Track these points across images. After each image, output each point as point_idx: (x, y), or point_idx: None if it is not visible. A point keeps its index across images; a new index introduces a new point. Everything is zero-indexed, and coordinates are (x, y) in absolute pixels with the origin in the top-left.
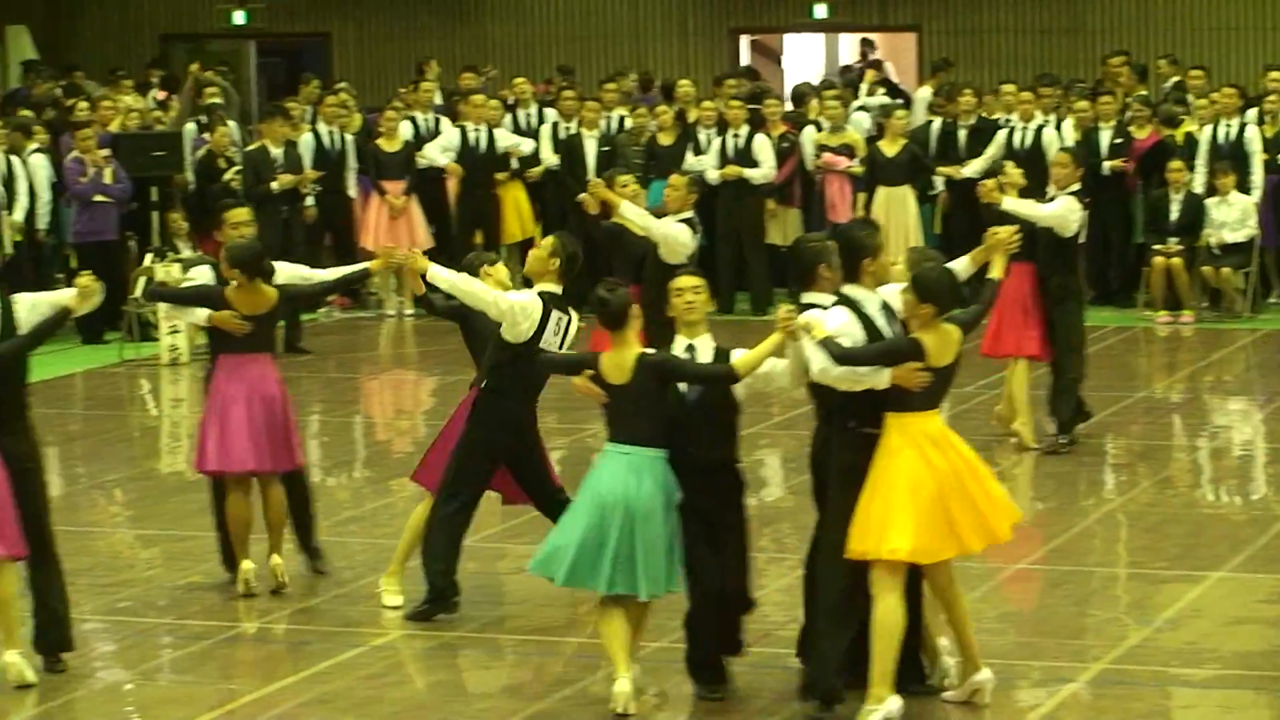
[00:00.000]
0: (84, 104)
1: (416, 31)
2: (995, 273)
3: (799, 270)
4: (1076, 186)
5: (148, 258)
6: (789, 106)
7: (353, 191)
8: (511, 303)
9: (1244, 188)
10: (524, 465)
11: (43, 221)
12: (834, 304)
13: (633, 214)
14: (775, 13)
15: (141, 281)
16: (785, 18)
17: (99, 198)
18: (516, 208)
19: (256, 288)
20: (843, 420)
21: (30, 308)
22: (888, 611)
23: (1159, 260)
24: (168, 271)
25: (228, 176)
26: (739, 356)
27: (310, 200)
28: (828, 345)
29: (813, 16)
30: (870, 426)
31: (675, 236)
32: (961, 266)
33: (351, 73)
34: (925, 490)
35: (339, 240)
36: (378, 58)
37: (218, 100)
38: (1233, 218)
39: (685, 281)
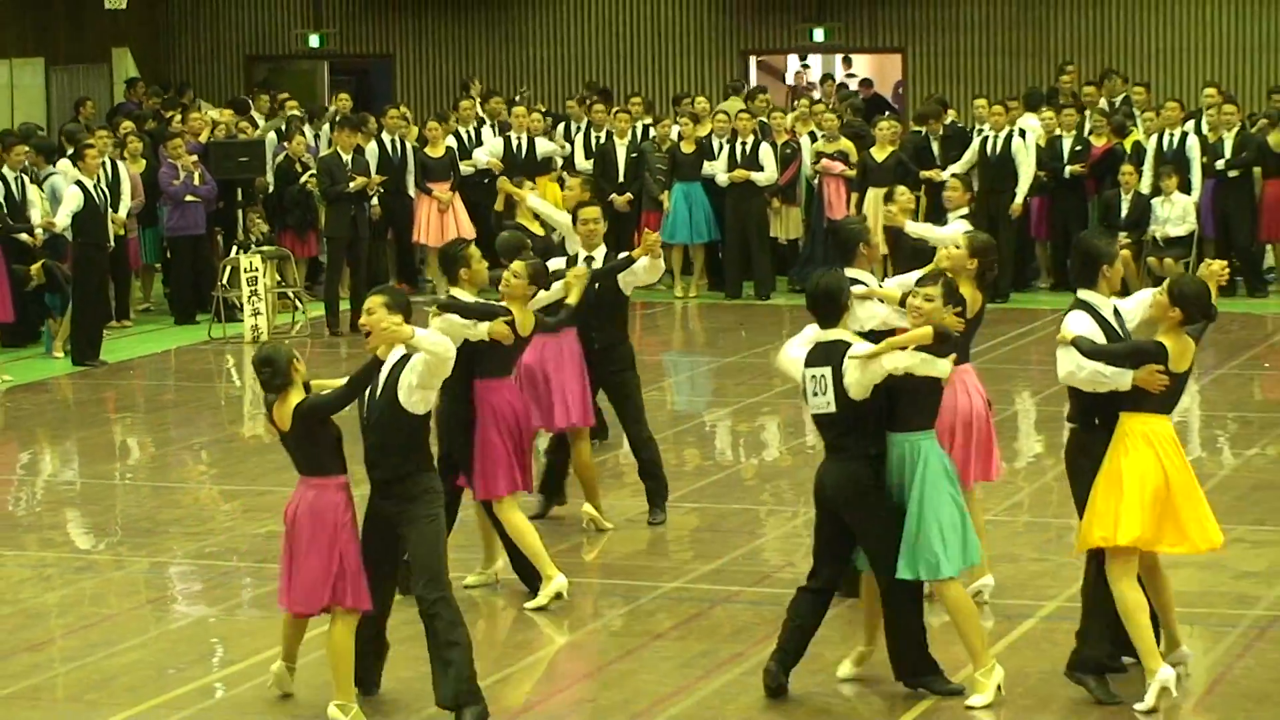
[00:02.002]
0: (178, 117)
1: (468, 53)
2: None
3: (841, 248)
4: (966, 210)
5: (233, 250)
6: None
7: (412, 192)
8: None
9: (1185, 189)
10: None
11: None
12: (1072, 307)
13: (539, 206)
14: (779, 36)
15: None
16: (788, 40)
17: (189, 198)
18: (553, 204)
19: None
20: (1089, 419)
21: None
22: (1125, 596)
23: None
24: (250, 262)
25: (303, 179)
26: None
27: (375, 200)
28: (1079, 344)
29: (812, 39)
30: (1104, 427)
31: None
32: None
33: (411, 89)
34: (1152, 483)
35: (399, 234)
36: (434, 76)
37: (296, 113)
38: (1175, 214)
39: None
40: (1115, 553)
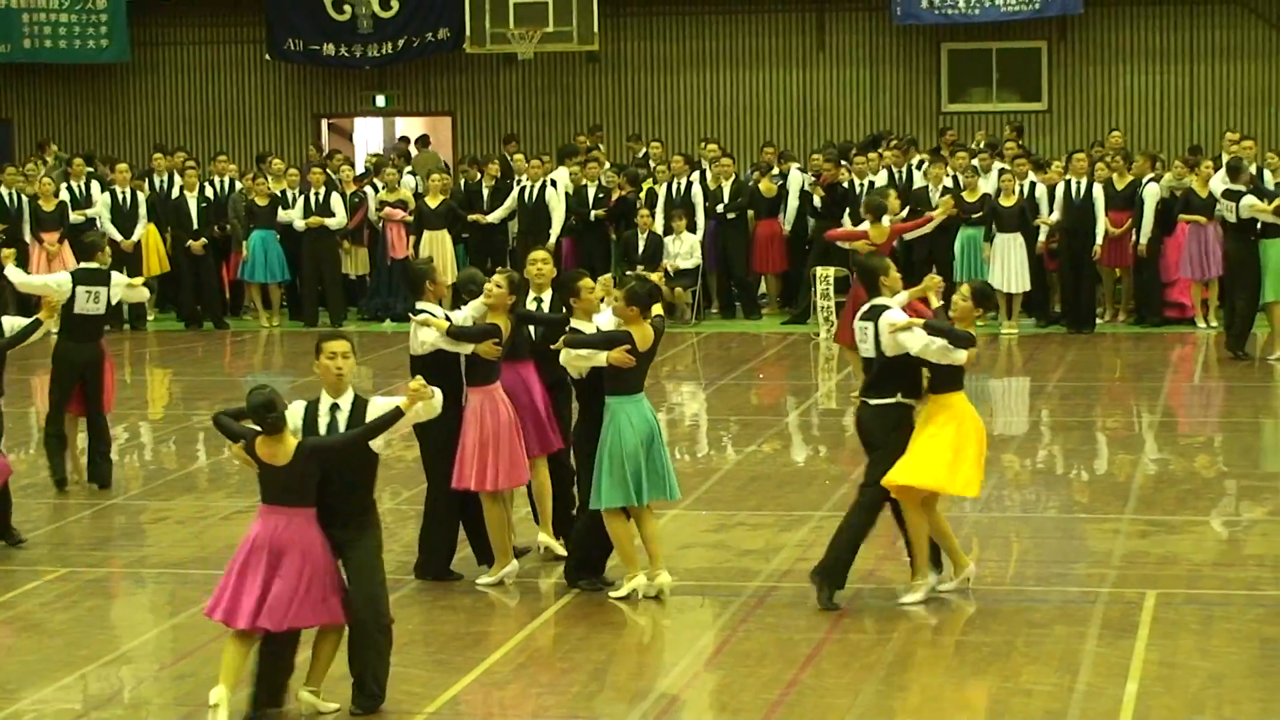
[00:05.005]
0: None
1: (77, 117)
2: (936, 303)
3: (412, 285)
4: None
5: None
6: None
7: (27, 238)
8: None
9: (692, 229)
10: None
11: None
12: (877, 310)
13: (15, 278)
14: (347, 101)
15: None
16: (355, 105)
17: None
18: (155, 248)
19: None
20: (891, 394)
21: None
22: (919, 523)
23: None
24: None
25: None
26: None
27: None
28: (933, 328)
29: (375, 105)
30: (910, 398)
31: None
32: (904, 298)
33: (29, 150)
34: (971, 443)
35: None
36: (47, 138)
37: None
38: (684, 250)
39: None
40: (909, 492)
